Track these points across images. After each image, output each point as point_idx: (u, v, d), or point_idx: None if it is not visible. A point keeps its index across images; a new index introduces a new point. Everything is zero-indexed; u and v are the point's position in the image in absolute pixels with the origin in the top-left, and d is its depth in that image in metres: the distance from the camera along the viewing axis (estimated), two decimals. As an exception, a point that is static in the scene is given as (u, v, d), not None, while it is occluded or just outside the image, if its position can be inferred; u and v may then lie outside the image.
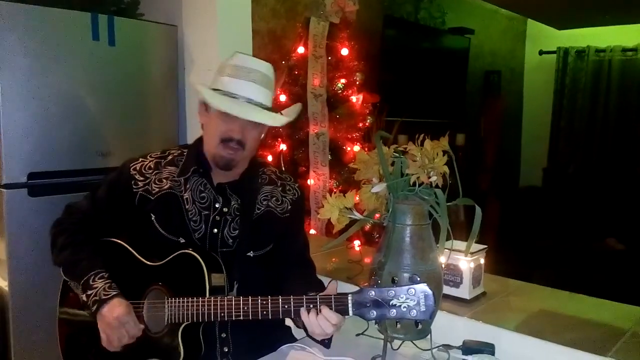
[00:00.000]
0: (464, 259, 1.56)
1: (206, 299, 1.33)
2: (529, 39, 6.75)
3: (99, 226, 1.55)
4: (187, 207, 1.48)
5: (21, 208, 2.02)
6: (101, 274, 1.41)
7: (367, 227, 2.75)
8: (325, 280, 1.50)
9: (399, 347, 1.43)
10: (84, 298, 1.40)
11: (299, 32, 3.19)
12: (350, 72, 3.22)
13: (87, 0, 2.26)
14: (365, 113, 3.27)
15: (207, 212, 1.49)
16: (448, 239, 1.37)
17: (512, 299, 1.68)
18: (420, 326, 1.26)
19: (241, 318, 1.29)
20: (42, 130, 2.06)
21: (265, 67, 1.47)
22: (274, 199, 1.56)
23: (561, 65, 6.40)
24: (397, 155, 1.37)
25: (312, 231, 2.98)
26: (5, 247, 1.98)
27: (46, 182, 2.07)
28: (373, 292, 1.19)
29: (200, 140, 1.56)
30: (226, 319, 1.31)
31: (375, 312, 1.19)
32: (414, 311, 1.17)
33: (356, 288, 1.24)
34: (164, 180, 1.50)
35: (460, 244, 1.51)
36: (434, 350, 1.39)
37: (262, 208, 1.54)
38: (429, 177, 1.33)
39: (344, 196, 1.38)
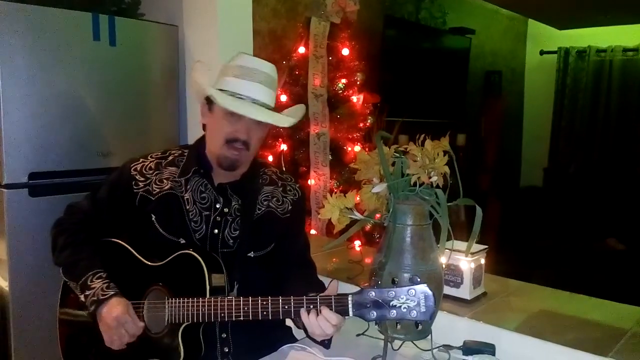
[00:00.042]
0: (465, 259, 1.56)
1: (206, 300, 1.33)
2: (530, 39, 6.75)
3: (100, 226, 1.55)
4: (187, 207, 1.48)
5: (22, 208, 2.02)
6: (99, 274, 1.41)
7: (368, 227, 2.75)
8: (325, 280, 1.50)
9: (400, 347, 1.43)
10: (82, 298, 1.40)
11: (299, 32, 3.19)
12: (351, 72, 3.22)
13: (88, 0, 2.26)
14: (366, 113, 3.27)
15: (207, 213, 1.49)
16: (449, 239, 1.37)
17: (512, 299, 1.68)
18: (420, 327, 1.26)
19: (241, 318, 1.29)
20: (42, 131, 2.06)
21: (269, 68, 1.48)
22: (275, 199, 1.56)
23: (562, 66, 6.40)
24: (397, 155, 1.37)
25: (313, 231, 2.98)
26: (5, 247, 1.98)
27: (47, 182, 2.07)
28: (373, 293, 1.19)
29: (200, 141, 1.56)
30: (226, 319, 1.31)
31: (375, 313, 1.19)
32: (414, 312, 1.16)
33: (356, 288, 1.24)
34: (165, 181, 1.50)
35: (460, 244, 1.51)
36: (434, 351, 1.39)
37: (263, 208, 1.54)
38: (430, 177, 1.33)
39: (345, 196, 1.38)
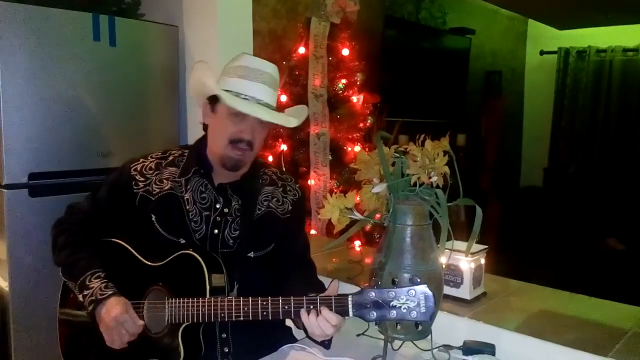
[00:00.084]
0: (465, 259, 1.56)
1: (206, 300, 1.33)
2: (530, 39, 6.76)
3: (100, 227, 1.55)
4: (187, 207, 1.48)
5: (22, 208, 2.01)
6: (98, 274, 1.41)
7: (368, 227, 2.75)
8: (325, 280, 1.50)
9: (400, 347, 1.43)
10: (81, 298, 1.40)
11: (299, 32, 3.19)
12: (351, 72, 3.22)
13: (88, 0, 2.26)
14: (366, 113, 3.27)
15: (207, 213, 1.49)
16: (449, 239, 1.37)
17: (512, 299, 1.68)
18: (420, 327, 1.26)
19: (241, 319, 1.29)
20: (42, 131, 2.05)
21: (272, 69, 1.48)
22: (275, 199, 1.56)
23: (562, 66, 6.41)
24: (397, 155, 1.37)
25: (313, 231, 2.98)
26: (5, 247, 1.98)
27: (47, 183, 2.07)
28: (373, 293, 1.19)
29: (201, 141, 1.56)
30: (226, 319, 1.31)
31: (375, 313, 1.19)
32: (414, 312, 1.16)
33: (356, 288, 1.24)
34: (165, 181, 1.50)
35: (460, 244, 1.51)
36: (434, 351, 1.39)
37: (263, 209, 1.54)
38: (430, 178, 1.33)
39: (345, 196, 1.38)
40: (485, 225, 1.37)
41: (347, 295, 1.23)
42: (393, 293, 1.18)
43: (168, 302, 1.36)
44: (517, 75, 6.72)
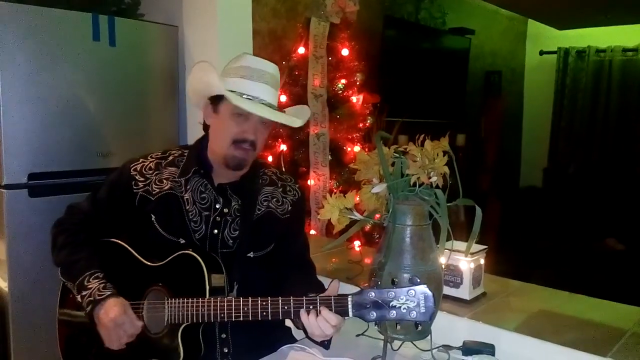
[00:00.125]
0: (464, 259, 1.56)
1: (206, 300, 1.33)
2: (530, 39, 6.76)
3: (100, 227, 1.55)
4: (187, 207, 1.48)
5: (21, 208, 2.01)
6: (96, 274, 1.41)
7: (368, 227, 2.75)
8: (325, 280, 1.50)
9: (399, 347, 1.43)
10: (79, 299, 1.40)
11: (299, 32, 3.19)
12: (351, 72, 3.22)
13: (88, 0, 2.26)
14: (366, 113, 3.27)
15: (207, 213, 1.49)
16: (448, 239, 1.37)
17: (512, 300, 1.68)
18: (420, 327, 1.26)
19: (241, 319, 1.29)
20: (42, 131, 2.05)
21: (273, 69, 1.49)
22: (275, 199, 1.56)
23: (562, 66, 6.41)
24: (397, 155, 1.37)
25: (312, 232, 2.98)
26: (5, 247, 1.98)
27: (46, 183, 2.07)
28: (373, 293, 1.19)
29: (200, 141, 1.56)
30: (226, 319, 1.32)
31: (375, 314, 1.19)
32: (414, 312, 1.17)
33: (356, 289, 1.24)
34: (165, 181, 1.50)
35: (460, 245, 1.51)
36: (434, 351, 1.39)
37: (263, 209, 1.54)
38: (429, 178, 1.33)
39: (344, 197, 1.38)
40: (484, 226, 1.37)
41: (346, 295, 1.23)
42: (393, 293, 1.18)
43: (168, 303, 1.36)
44: (516, 75, 6.72)
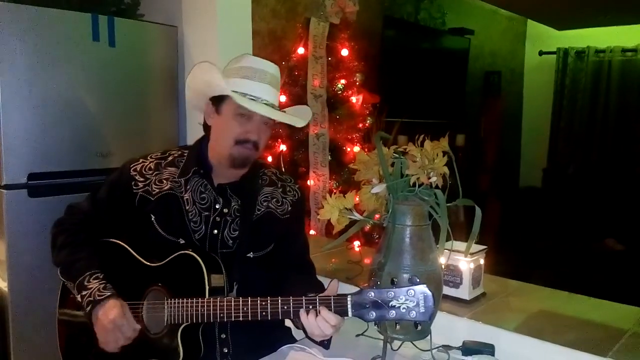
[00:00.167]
0: (464, 259, 1.56)
1: (206, 300, 1.33)
2: (529, 40, 6.76)
3: (100, 227, 1.55)
4: (187, 207, 1.48)
5: (21, 209, 2.01)
6: (96, 275, 1.41)
7: (367, 227, 2.75)
8: (325, 280, 1.50)
9: (399, 347, 1.43)
10: (79, 299, 1.40)
11: (299, 32, 3.19)
12: (350, 72, 3.22)
13: (87, 0, 2.26)
14: (365, 114, 3.27)
15: (207, 213, 1.49)
16: (448, 239, 1.37)
17: (511, 300, 1.68)
18: (419, 327, 1.26)
19: (240, 319, 1.29)
20: (42, 131, 2.05)
21: (274, 69, 1.49)
22: (274, 200, 1.56)
23: (561, 66, 6.41)
24: (397, 155, 1.37)
25: (312, 232, 2.98)
26: (5, 247, 1.98)
27: (46, 183, 2.07)
28: (372, 293, 1.19)
29: (200, 141, 1.56)
30: (226, 319, 1.32)
31: (374, 313, 1.19)
32: (414, 312, 1.17)
33: (356, 289, 1.24)
34: (164, 181, 1.50)
35: (460, 245, 1.51)
36: (433, 351, 1.39)
37: (262, 209, 1.54)
38: (429, 178, 1.33)
39: (344, 197, 1.38)
40: (484, 226, 1.37)
41: (346, 295, 1.23)
42: (392, 293, 1.18)
43: (167, 303, 1.36)
44: (516, 75, 6.72)
